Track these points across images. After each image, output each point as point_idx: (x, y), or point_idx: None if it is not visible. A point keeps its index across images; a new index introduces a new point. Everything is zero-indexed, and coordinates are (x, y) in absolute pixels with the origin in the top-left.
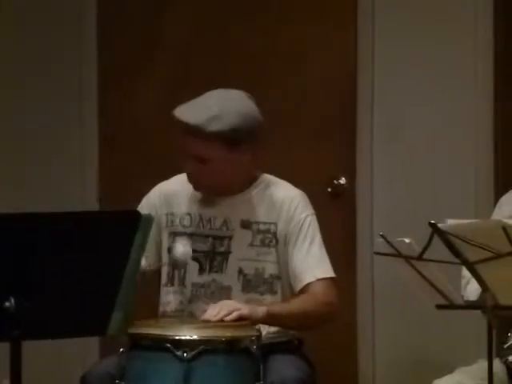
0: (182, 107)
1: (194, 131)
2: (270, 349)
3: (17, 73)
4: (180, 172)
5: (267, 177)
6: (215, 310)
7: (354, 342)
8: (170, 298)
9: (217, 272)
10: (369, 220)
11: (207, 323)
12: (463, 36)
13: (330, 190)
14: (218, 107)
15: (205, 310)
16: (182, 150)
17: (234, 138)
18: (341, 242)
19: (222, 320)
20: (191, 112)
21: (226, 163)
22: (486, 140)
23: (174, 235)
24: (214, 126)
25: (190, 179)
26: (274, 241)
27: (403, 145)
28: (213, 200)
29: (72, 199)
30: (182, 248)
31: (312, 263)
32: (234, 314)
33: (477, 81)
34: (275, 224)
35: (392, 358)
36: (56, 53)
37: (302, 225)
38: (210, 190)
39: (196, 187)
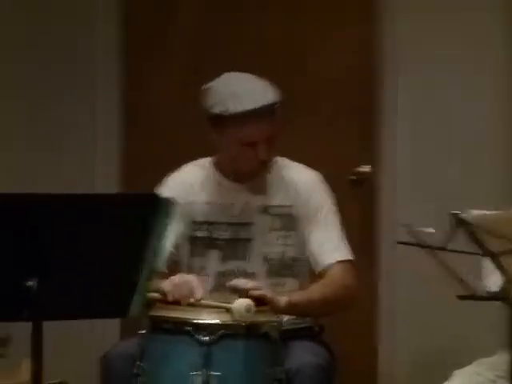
0: (230, 100)
1: (263, 113)
2: (290, 335)
3: (30, 57)
4: (194, 158)
5: (281, 159)
6: (243, 280)
7: (375, 331)
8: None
9: (239, 259)
10: (392, 209)
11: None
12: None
13: (352, 177)
14: (255, 84)
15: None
16: (237, 141)
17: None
18: (361, 230)
19: (247, 293)
20: (250, 97)
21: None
22: (509, 129)
23: (194, 224)
24: (270, 99)
25: (259, 165)
26: (292, 224)
27: (428, 132)
28: (229, 186)
29: (91, 187)
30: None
31: (331, 245)
32: (260, 292)
33: (509, 55)
34: (293, 207)
35: (412, 348)
36: (70, 39)
37: (319, 207)
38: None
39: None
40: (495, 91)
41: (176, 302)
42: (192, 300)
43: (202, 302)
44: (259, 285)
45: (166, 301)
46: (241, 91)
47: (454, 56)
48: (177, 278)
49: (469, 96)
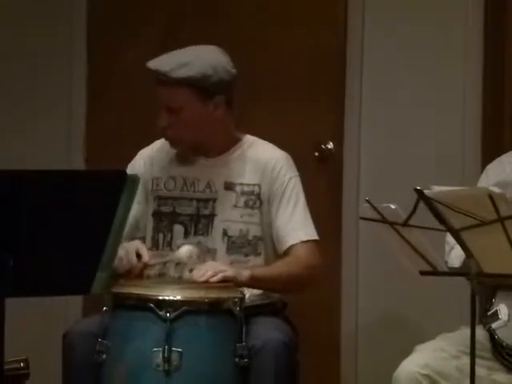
0: (154, 59)
1: (163, 79)
2: (253, 311)
3: (3, 32)
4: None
5: (250, 138)
6: (201, 272)
7: (338, 305)
8: (153, 262)
9: (202, 235)
10: (355, 185)
11: (191, 284)
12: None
13: (317, 154)
14: (189, 56)
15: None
16: (157, 104)
17: (204, 87)
18: (327, 206)
19: (207, 281)
20: (159, 61)
21: (198, 114)
22: (475, 106)
23: (159, 199)
24: (182, 72)
25: (165, 134)
26: (257, 202)
27: (391, 110)
28: (195, 162)
29: (58, 159)
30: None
31: (296, 225)
32: (219, 276)
33: (466, 41)
34: (259, 185)
35: (375, 322)
36: (46, 12)
37: (285, 186)
38: (185, 145)
39: (172, 142)
40: (462, 70)
41: (128, 271)
42: (141, 265)
43: (151, 262)
44: (216, 269)
45: (120, 275)
46: (169, 53)
47: (420, 37)
48: (121, 251)
49: (434, 75)
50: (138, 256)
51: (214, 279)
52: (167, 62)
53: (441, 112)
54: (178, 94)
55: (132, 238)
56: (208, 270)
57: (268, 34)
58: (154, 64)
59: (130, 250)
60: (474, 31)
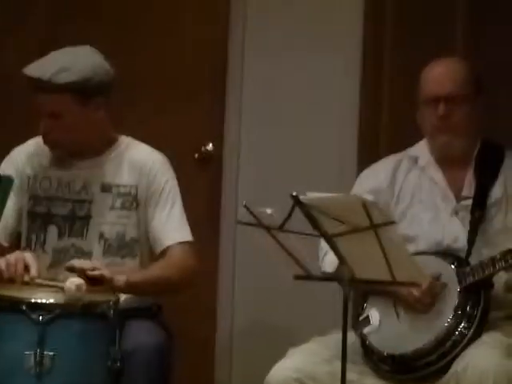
0: (31, 65)
1: (43, 86)
2: (128, 314)
3: None
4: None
5: (126, 139)
6: (81, 260)
7: (214, 309)
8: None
9: (77, 237)
10: (234, 188)
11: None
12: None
13: (196, 155)
14: (65, 60)
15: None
16: (36, 109)
17: (85, 90)
18: (206, 209)
19: (84, 273)
20: (38, 67)
21: (79, 118)
22: (351, 114)
23: (34, 198)
24: (63, 78)
25: (45, 139)
26: (134, 204)
27: (272, 114)
28: (71, 163)
29: None
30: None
31: (172, 227)
32: (97, 272)
33: (345, 47)
34: (136, 187)
35: (250, 325)
36: None
37: (162, 189)
38: (65, 149)
39: (51, 147)
40: (339, 75)
41: (11, 280)
42: (26, 278)
43: (36, 280)
44: (97, 264)
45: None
46: (44, 58)
47: (303, 35)
48: (12, 256)
49: (313, 79)
50: (26, 267)
51: (92, 273)
52: (46, 68)
53: (321, 115)
54: (59, 100)
55: (18, 233)
56: (87, 262)
57: (148, 33)
58: (33, 71)
59: (12, 261)
60: (353, 38)
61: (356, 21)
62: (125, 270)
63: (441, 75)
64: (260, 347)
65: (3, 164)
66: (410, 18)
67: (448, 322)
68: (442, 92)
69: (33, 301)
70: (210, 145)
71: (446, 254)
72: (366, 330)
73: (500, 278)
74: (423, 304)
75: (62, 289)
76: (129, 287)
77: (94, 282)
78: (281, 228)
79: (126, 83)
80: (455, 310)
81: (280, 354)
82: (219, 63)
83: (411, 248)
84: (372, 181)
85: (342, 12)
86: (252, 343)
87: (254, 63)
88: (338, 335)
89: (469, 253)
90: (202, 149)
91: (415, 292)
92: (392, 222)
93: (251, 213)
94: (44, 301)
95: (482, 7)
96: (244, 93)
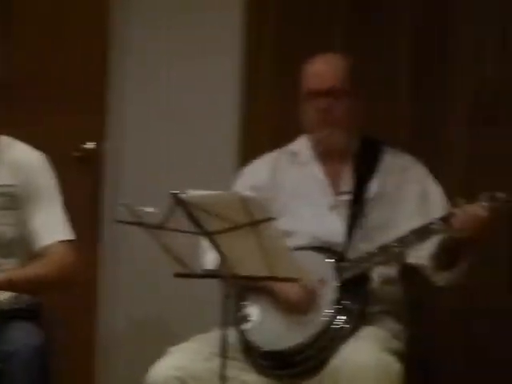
0: None
1: None
2: (8, 315)
3: None
4: None
5: (5, 139)
6: None
7: (95, 309)
8: None
9: None
10: (116, 186)
11: None
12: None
13: (76, 154)
14: None
15: None
16: None
17: None
18: (87, 207)
19: None
20: None
21: None
22: (233, 112)
23: None
24: None
25: None
26: (13, 204)
27: (156, 110)
28: None
29: None
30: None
31: (52, 226)
32: None
33: (226, 44)
34: (15, 186)
35: (131, 323)
36: None
37: (42, 188)
38: None
39: None
40: (223, 75)
41: None
42: None
43: None
44: None
45: None
46: None
47: (183, 37)
48: None
49: (196, 78)
50: None
51: None
52: None
53: (204, 113)
54: None
55: None
56: None
57: (29, 33)
58: None
59: None
60: (234, 32)
61: (237, 14)
62: (4, 269)
63: (322, 70)
64: (141, 344)
65: None
66: (293, 15)
67: (327, 316)
68: (322, 86)
69: None
70: (92, 143)
71: (324, 248)
72: (246, 327)
73: (377, 273)
74: (301, 305)
75: None
76: (8, 285)
77: None
78: (160, 227)
79: (2, 83)
80: (334, 305)
81: (162, 353)
82: (102, 59)
83: (291, 243)
84: (253, 177)
85: (222, 8)
86: (133, 340)
87: (136, 60)
88: (219, 332)
89: (347, 247)
90: (83, 147)
91: (293, 294)
92: (271, 219)
93: (131, 211)
94: None
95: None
96: (126, 90)
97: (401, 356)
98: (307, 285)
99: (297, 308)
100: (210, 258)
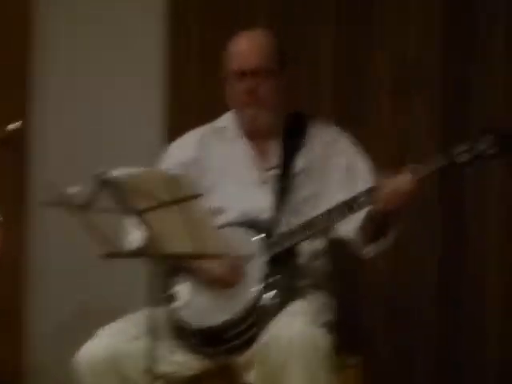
0: None
1: None
2: None
3: None
4: None
5: None
6: None
7: (24, 290)
8: None
9: None
10: (41, 167)
11: None
12: None
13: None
14: None
15: None
16: None
17: None
18: (11, 189)
19: None
20: None
21: None
22: (156, 88)
23: None
24: None
25: None
26: None
27: (81, 92)
28: None
29: None
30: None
31: None
32: None
33: (150, 29)
34: None
35: (62, 308)
36: None
37: None
38: None
39: None
40: (146, 51)
41: None
42: None
43: None
44: None
45: None
46: None
47: (105, 14)
48: None
49: (119, 58)
50: None
51: None
52: None
53: (128, 94)
54: None
55: None
56: None
57: None
58: None
59: None
60: (160, 11)
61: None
62: None
63: (246, 49)
64: (72, 328)
65: None
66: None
67: (256, 292)
68: (247, 66)
69: None
70: (14, 123)
71: (252, 224)
72: (174, 305)
73: (305, 247)
74: (227, 279)
75: None
76: None
77: None
78: (86, 207)
79: None
80: (262, 280)
81: (92, 336)
82: (21, 37)
83: (221, 220)
84: (179, 154)
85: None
86: (64, 325)
87: (61, 45)
88: (147, 312)
89: (275, 223)
90: (5, 128)
91: (218, 270)
92: (197, 196)
93: (56, 192)
94: None
95: None
96: (50, 66)
97: (330, 328)
98: (232, 260)
99: (222, 283)
100: (134, 238)
